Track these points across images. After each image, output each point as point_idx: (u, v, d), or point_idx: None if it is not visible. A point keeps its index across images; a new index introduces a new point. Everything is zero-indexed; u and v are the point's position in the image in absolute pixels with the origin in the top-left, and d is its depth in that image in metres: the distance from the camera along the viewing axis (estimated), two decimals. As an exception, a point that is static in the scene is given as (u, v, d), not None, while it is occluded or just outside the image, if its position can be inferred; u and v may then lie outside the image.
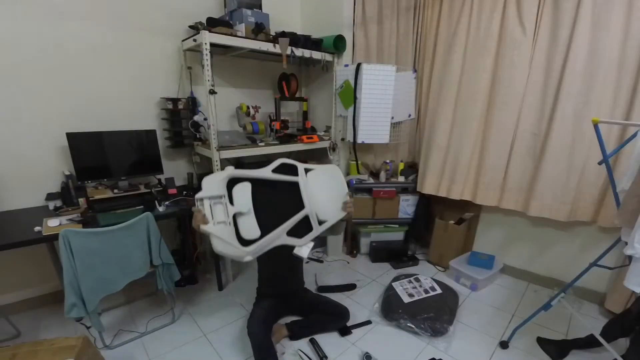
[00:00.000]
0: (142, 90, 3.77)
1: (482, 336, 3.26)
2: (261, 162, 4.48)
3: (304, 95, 5.09)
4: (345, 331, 3.25)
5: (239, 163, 4.37)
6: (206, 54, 3.37)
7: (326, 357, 2.93)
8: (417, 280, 3.76)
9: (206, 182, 2.67)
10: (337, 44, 4.30)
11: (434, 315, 3.27)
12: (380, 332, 3.30)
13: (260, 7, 3.97)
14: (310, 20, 4.74)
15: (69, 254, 2.62)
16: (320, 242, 4.90)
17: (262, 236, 2.61)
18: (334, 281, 4.04)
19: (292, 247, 2.71)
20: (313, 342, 3.10)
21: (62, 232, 2.58)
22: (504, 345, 3.12)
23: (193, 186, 4.02)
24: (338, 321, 3.20)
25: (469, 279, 4.03)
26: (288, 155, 4.60)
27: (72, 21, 3.30)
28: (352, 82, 4.26)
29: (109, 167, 3.48)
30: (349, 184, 4.51)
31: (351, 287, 3.84)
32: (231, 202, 2.70)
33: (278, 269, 3.17)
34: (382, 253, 4.60)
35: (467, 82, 3.97)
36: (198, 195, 2.59)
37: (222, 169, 3.61)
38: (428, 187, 4.41)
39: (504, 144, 3.87)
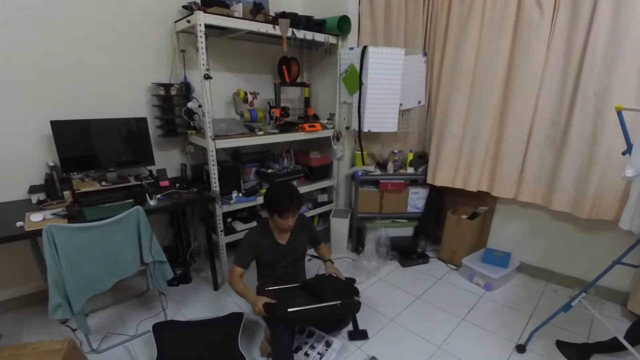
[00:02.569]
0: (132, 76, 3.75)
1: (496, 339, 3.24)
2: (260, 152, 4.47)
3: (305, 81, 5.06)
4: (357, 335, 3.26)
5: (236, 153, 4.36)
6: (201, 36, 3.34)
7: None
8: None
9: None
10: (342, 26, 4.27)
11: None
12: (390, 330, 3.29)
13: (258, -15, 3.94)
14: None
15: (54, 250, 2.59)
16: (324, 238, 4.88)
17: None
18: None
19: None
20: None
21: (46, 227, 2.55)
22: (520, 349, 3.09)
23: (186, 178, 4.04)
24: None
25: (483, 278, 4.01)
26: (289, 145, 4.60)
27: (55, 2, 3.27)
28: (357, 66, 4.23)
29: (97, 158, 3.46)
30: (353, 175, 4.50)
31: (351, 282, 3.82)
32: None
33: (282, 271, 3.17)
34: (389, 250, 4.57)
35: (482, 66, 3.94)
36: None
37: (218, 159, 3.60)
38: (441, 178, 4.40)
39: (521, 132, 3.85)
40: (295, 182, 4.56)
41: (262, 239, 3.08)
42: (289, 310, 2.77)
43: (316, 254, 3.61)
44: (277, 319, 2.79)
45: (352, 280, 3.24)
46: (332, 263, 3.35)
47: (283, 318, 2.77)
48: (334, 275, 3.20)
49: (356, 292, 3.14)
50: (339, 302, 2.87)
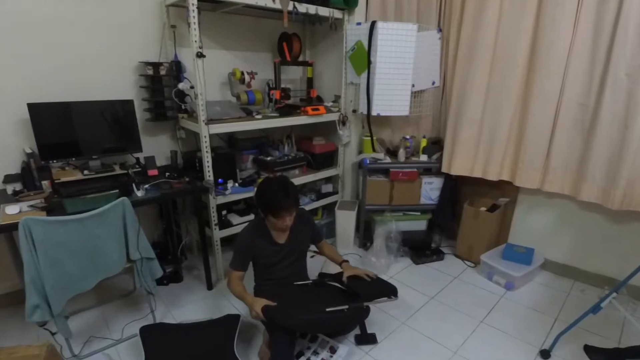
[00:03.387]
0: (117, 54, 3.73)
1: (518, 344, 3.23)
2: (258, 138, 4.46)
3: (308, 59, 5.03)
4: (365, 339, 3.25)
5: (231, 139, 4.34)
6: (193, 10, 3.31)
7: None
8: None
9: None
10: (348, -2, 4.26)
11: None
12: (401, 334, 3.29)
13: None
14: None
15: (31, 246, 2.58)
16: (329, 233, 4.90)
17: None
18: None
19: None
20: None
21: (22, 220, 2.54)
22: (544, 354, 3.09)
23: (177, 166, 4.05)
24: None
25: (504, 276, 4.00)
26: (290, 130, 4.59)
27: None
28: (365, 43, 4.22)
29: (78, 144, 3.44)
30: (361, 163, 4.49)
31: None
32: None
33: (282, 273, 3.18)
34: (401, 246, 4.57)
35: (503, 44, 3.91)
36: None
37: (212, 145, 3.59)
38: (458, 167, 4.39)
39: (546, 116, 3.83)
40: (296, 171, 4.58)
41: (258, 239, 3.07)
42: (290, 316, 2.76)
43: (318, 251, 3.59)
44: (276, 325, 2.78)
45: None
46: (349, 263, 3.35)
47: (283, 325, 2.75)
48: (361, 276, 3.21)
49: (394, 291, 3.15)
50: (345, 307, 2.86)
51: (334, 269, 3.82)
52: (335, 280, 3.27)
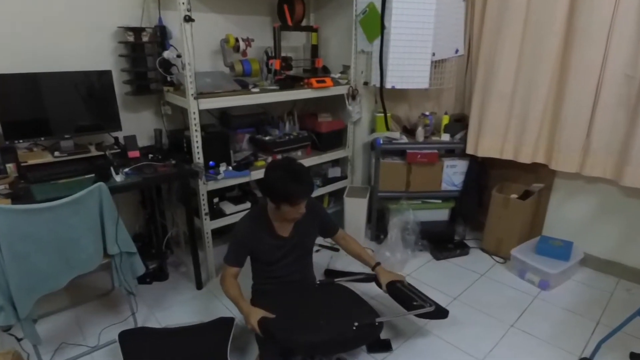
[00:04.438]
0: (93, 17, 3.70)
1: (555, 351, 3.22)
2: (255, 115, 4.44)
3: (313, 24, 5.04)
4: (378, 346, 3.23)
5: (224, 116, 4.33)
6: (178, -35, 3.31)
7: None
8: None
9: None
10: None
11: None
12: (419, 340, 3.29)
13: None
14: None
15: (-6, 239, 2.63)
16: (339, 225, 4.87)
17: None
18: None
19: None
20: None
21: (-18, 210, 2.55)
22: (585, 363, 3.11)
23: (162, 147, 4.06)
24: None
25: (538, 274, 3.99)
26: (292, 105, 4.56)
27: None
28: (378, 5, 4.23)
29: (48, 122, 3.44)
30: (374, 144, 4.48)
31: (368, 280, 3.79)
32: None
33: (285, 271, 3.16)
34: (419, 238, 4.55)
35: (538, 6, 3.88)
36: None
37: (202, 123, 3.57)
38: (485, 147, 4.39)
39: (587, 90, 3.79)
40: (299, 153, 4.59)
41: (258, 231, 3.03)
42: (292, 335, 2.73)
43: (326, 244, 3.56)
44: (274, 343, 2.74)
45: (373, 277, 3.24)
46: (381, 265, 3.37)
47: (283, 346, 2.73)
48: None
49: (444, 314, 3.19)
50: (355, 323, 2.80)
51: (342, 264, 3.82)
52: (344, 277, 3.25)
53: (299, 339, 2.71)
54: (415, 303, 3.08)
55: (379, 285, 3.22)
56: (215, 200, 4.14)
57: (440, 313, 3.15)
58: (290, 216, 2.95)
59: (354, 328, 2.76)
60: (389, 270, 3.28)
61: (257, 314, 2.75)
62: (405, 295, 3.13)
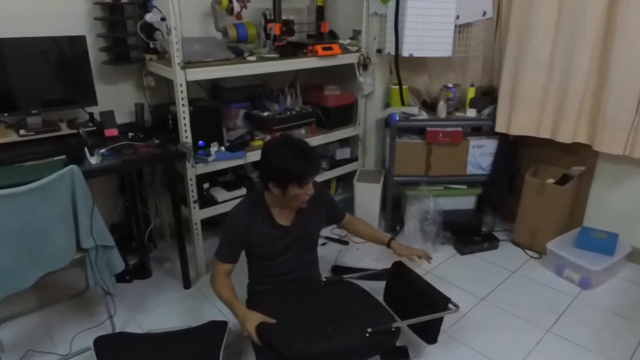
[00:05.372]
0: (62, -27, 3.69)
1: (597, 359, 3.21)
2: (252, 87, 4.41)
3: (318, -19, 5.02)
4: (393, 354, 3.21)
5: (216, 89, 4.39)
6: None
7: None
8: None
9: None
10: None
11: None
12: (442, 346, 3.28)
13: None
14: None
15: (-51, 230, 2.62)
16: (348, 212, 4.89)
17: None
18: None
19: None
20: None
21: (-64, 196, 2.55)
22: (633, 374, 3.10)
23: (144, 124, 4.07)
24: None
25: (578, 271, 3.98)
26: (294, 76, 4.53)
27: None
28: None
29: (11, 96, 3.43)
30: (388, 120, 4.48)
31: (383, 277, 3.78)
32: None
33: (286, 267, 3.13)
34: (441, 230, 4.56)
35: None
36: None
37: (190, 97, 3.56)
38: (518, 124, 4.37)
39: (637, 57, 3.77)
40: (302, 131, 4.62)
41: (255, 220, 2.99)
42: (296, 343, 2.69)
43: (335, 236, 3.54)
44: (274, 352, 2.70)
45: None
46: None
47: (284, 355, 2.68)
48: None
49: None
50: (369, 329, 2.75)
51: (351, 259, 3.80)
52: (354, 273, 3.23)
53: (303, 348, 2.66)
54: (436, 304, 3.05)
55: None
56: (206, 185, 4.14)
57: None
58: (299, 200, 2.92)
59: (367, 335, 2.71)
60: (407, 246, 3.31)
61: (254, 318, 2.71)
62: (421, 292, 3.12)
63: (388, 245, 3.30)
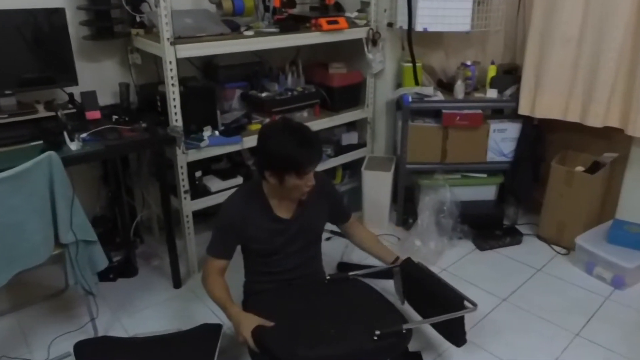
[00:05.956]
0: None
1: (632, 368, 3.24)
2: (249, 65, 4.39)
3: (322, -53, 5.03)
4: None
5: (209, 67, 4.38)
6: None
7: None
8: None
9: None
10: None
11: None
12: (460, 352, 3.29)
13: None
14: None
15: None
16: (352, 205, 4.97)
17: None
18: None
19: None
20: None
21: None
22: (673, 386, 3.08)
23: (129, 106, 4.06)
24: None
25: (610, 268, 3.97)
26: (296, 52, 4.51)
27: None
28: None
29: None
30: (400, 102, 4.48)
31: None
32: None
33: (287, 265, 3.13)
34: (458, 223, 4.56)
35: None
36: None
37: (181, 75, 3.59)
38: (544, 107, 4.35)
39: None
40: (305, 113, 4.62)
41: (252, 211, 2.99)
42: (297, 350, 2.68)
43: (338, 231, 3.53)
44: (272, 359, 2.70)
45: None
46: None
47: None
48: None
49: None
50: (377, 332, 2.74)
51: (359, 256, 3.77)
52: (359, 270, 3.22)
53: (304, 353, 2.65)
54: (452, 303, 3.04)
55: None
56: (198, 174, 4.14)
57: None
58: (298, 192, 2.90)
59: (375, 338, 2.69)
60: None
61: (251, 322, 2.70)
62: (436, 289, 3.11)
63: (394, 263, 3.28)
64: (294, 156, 2.72)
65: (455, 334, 3.01)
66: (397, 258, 3.28)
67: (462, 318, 2.96)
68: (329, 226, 3.44)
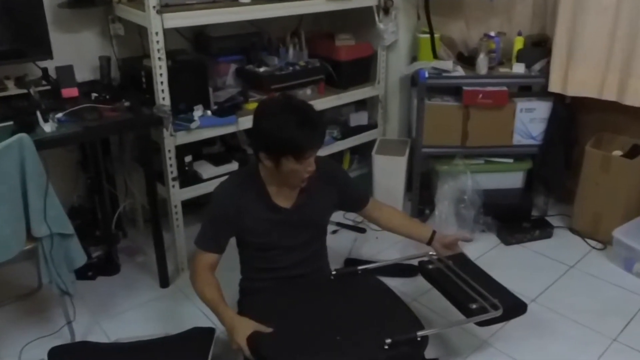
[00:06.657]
0: None
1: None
2: (245, 36, 4.38)
3: None
4: None
5: (201, 38, 4.39)
6: None
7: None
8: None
9: None
10: None
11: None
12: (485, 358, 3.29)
13: None
14: None
15: None
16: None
17: None
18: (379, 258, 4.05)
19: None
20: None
21: None
22: None
23: (110, 82, 4.06)
24: None
25: None
26: (297, 22, 4.51)
27: None
28: None
29: None
30: (416, 77, 4.46)
31: (410, 271, 3.76)
32: None
33: (287, 260, 3.10)
34: (481, 214, 4.57)
35: None
36: None
37: (169, 48, 3.58)
38: (577, 83, 4.34)
39: None
40: (308, 91, 4.63)
41: (247, 200, 2.96)
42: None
43: (348, 222, 3.51)
44: None
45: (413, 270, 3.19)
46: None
47: None
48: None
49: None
50: (387, 340, 2.69)
51: (369, 250, 3.75)
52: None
53: None
54: (473, 306, 2.99)
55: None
56: (188, 159, 4.15)
57: (512, 312, 3.07)
58: (296, 178, 2.87)
59: (386, 347, 2.66)
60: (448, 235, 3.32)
61: (246, 327, 2.66)
62: (458, 289, 3.07)
63: (429, 242, 3.26)
64: (293, 138, 2.67)
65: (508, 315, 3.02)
66: (434, 233, 3.27)
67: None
68: (336, 217, 3.42)
